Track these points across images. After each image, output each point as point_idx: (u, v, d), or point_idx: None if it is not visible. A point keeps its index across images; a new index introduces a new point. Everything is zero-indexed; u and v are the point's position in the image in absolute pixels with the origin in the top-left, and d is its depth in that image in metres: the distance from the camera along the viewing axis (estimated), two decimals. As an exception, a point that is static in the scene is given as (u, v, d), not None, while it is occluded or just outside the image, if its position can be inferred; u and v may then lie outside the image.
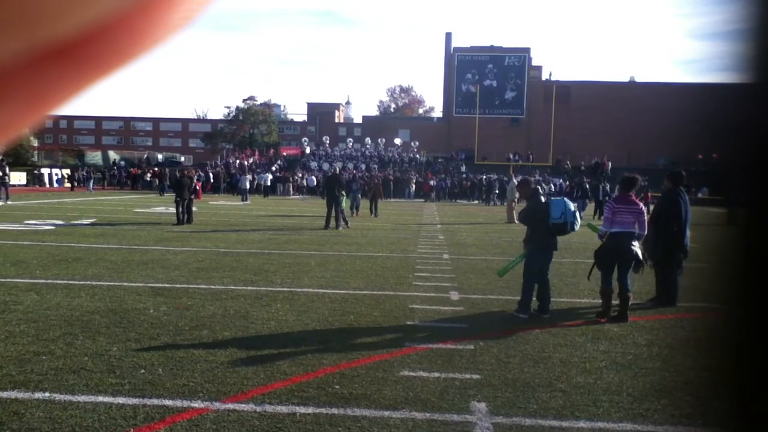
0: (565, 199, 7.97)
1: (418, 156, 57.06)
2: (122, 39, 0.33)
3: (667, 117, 65.74)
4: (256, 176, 45.57)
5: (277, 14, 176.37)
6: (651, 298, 8.85)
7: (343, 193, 19.46)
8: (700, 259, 11.26)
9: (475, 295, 9.03)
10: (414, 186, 46.18)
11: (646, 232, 7.97)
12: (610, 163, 54.45)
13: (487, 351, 6.22)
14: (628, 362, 6.01)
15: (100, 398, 4.68)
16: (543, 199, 8.00)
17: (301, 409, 4.57)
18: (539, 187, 8.41)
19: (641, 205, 8.02)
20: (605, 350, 6.40)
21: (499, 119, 72.92)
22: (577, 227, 7.85)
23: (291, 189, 46.09)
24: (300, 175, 48.79)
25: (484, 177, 46.51)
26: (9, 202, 27.30)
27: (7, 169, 31.73)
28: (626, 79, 77.74)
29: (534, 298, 7.94)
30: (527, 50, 74.93)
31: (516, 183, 9.46)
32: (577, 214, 7.84)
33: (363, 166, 52.90)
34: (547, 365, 5.83)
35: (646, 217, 8.00)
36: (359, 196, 25.73)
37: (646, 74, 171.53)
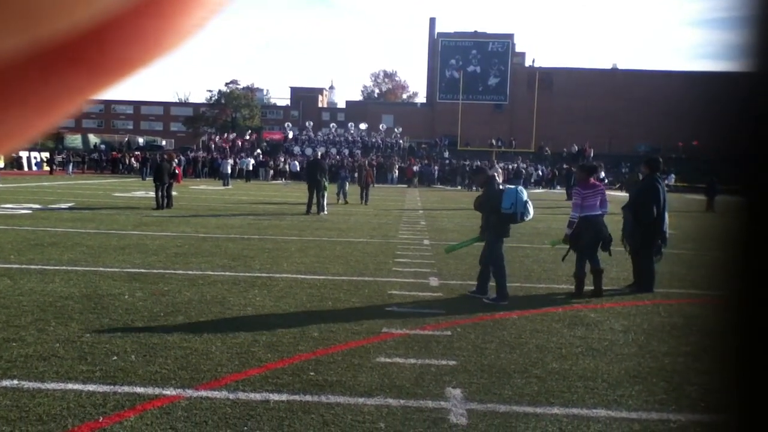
0: (519, 188, 8.06)
1: (401, 141, 56.93)
2: (132, 44, 0.32)
3: (648, 104, 66.10)
4: (238, 161, 45.23)
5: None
6: (628, 285, 8.89)
7: (326, 178, 19.36)
8: (678, 245, 11.34)
9: (454, 281, 9.02)
10: (397, 171, 46.10)
11: (608, 209, 8.59)
12: (592, 150, 54.71)
13: (464, 337, 6.21)
14: (604, 348, 6.04)
15: (70, 386, 4.61)
16: (498, 188, 8.06)
17: (275, 396, 4.53)
18: (495, 175, 8.58)
19: (602, 186, 8.65)
20: (581, 336, 6.42)
21: (483, 105, 72.85)
22: (528, 217, 7.97)
23: (275, 174, 45.75)
24: (282, 159, 48.49)
25: (467, 163, 46.54)
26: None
27: None
28: (609, 66, 77.96)
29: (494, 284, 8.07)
30: (511, 36, 74.78)
31: (474, 169, 9.57)
32: (529, 204, 7.94)
33: (346, 151, 52.69)
34: (523, 351, 5.83)
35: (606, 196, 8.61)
36: (347, 183, 24.76)
37: (629, 62, 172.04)
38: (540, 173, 47.66)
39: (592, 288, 8.38)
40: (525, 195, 7.96)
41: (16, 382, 4.64)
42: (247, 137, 57.22)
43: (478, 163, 46.49)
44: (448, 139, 60.72)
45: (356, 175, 29.17)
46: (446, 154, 54.88)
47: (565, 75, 72.37)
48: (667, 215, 8.73)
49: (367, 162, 29.79)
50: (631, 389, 4.96)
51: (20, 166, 47.15)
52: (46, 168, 45.53)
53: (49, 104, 0.32)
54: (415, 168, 45.78)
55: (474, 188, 40.77)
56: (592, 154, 53.26)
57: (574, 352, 5.88)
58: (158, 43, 0.33)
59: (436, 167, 47.84)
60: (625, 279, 9.25)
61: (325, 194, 19.19)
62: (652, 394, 4.90)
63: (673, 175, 44.49)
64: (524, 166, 48.28)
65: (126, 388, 4.59)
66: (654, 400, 4.78)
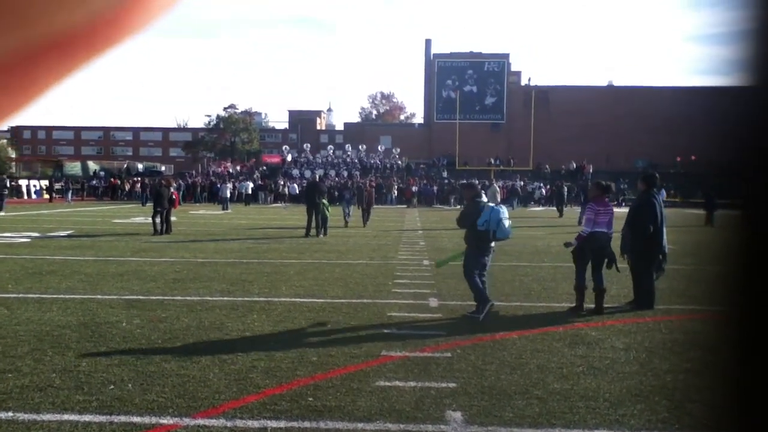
0: (499, 207, 8.29)
1: (399, 162, 57.06)
2: (104, 27, 0.35)
3: (645, 120, 66.40)
4: (237, 185, 45.30)
5: (257, 22, 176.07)
6: (629, 302, 8.84)
7: (324, 200, 19.35)
8: (678, 260, 11.30)
9: (453, 302, 8.97)
10: (396, 192, 46.13)
11: (613, 231, 8.67)
12: (591, 167, 54.81)
13: (464, 358, 6.16)
14: (605, 367, 5.99)
15: (66, 416, 4.56)
16: (480, 205, 8.25)
17: (273, 423, 4.48)
18: (482, 192, 8.80)
19: (611, 206, 8.82)
20: (582, 355, 6.37)
21: (480, 124, 73.18)
22: (502, 234, 8.09)
23: (275, 197, 45.70)
24: (282, 182, 48.56)
25: (463, 182, 46.50)
26: (1, 213, 28.65)
27: (7, 182, 34.83)
28: (605, 83, 78.44)
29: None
30: (506, 56, 75.34)
31: (464, 184, 9.69)
32: (504, 223, 8.07)
33: (345, 173, 52.78)
34: (524, 372, 5.78)
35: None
36: (351, 205, 24.26)
37: (624, 78, 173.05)
38: (543, 191, 47.63)
39: (593, 306, 8.36)
40: (502, 214, 8.11)
41: (11, 414, 4.59)
42: (246, 161, 57.33)
43: (475, 180, 46.68)
44: (446, 158, 60.86)
45: (355, 196, 28.28)
46: (445, 174, 54.96)
47: (561, 93, 72.79)
48: (665, 231, 8.71)
49: (368, 182, 28.38)
50: (633, 408, 4.91)
51: (20, 195, 47.19)
52: (46, 196, 45.56)
53: (21, 85, 0.34)
54: (414, 188, 45.84)
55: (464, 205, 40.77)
56: (591, 171, 53.37)
57: (576, 371, 5.83)
58: (129, 24, 0.36)
59: (435, 187, 47.91)
60: (626, 296, 9.21)
61: (328, 216, 19.15)
62: (655, 413, 4.85)
63: (663, 191, 44.72)
64: (521, 184, 48.33)
65: (122, 418, 4.54)
66: (656, 419, 4.72)
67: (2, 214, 28.73)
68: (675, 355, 6.49)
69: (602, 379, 5.60)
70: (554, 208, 35.04)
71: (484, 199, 8.55)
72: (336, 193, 44.81)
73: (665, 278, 8.98)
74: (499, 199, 31.01)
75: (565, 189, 35.88)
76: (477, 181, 43.99)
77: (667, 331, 7.51)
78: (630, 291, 9.07)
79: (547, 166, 56.54)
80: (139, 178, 50.57)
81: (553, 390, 5.29)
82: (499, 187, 34.52)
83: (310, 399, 4.96)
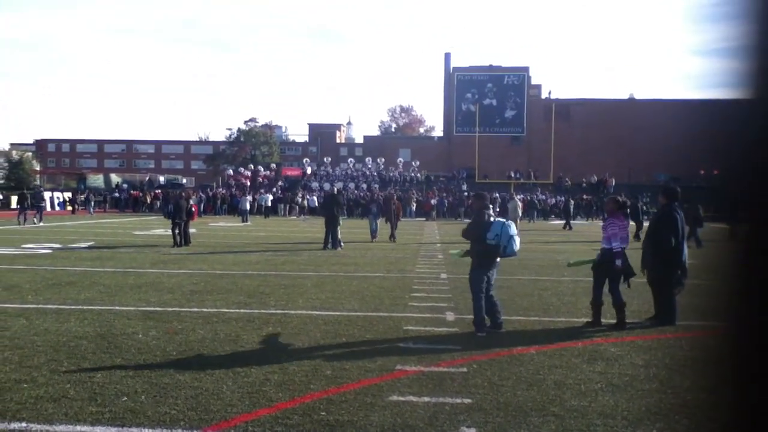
0: (507, 222, 8.12)
1: (418, 175, 57.03)
2: None
3: (667, 133, 65.75)
4: (256, 197, 45.54)
5: (278, 35, 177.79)
6: (649, 317, 8.68)
7: (343, 213, 19.35)
8: (699, 275, 11.11)
9: (471, 316, 8.85)
10: (415, 205, 46.08)
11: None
12: (613, 180, 54.33)
13: (480, 374, 6.07)
14: (624, 384, 5.86)
15: (79, 427, 4.55)
16: (487, 218, 8.10)
17: (285, 437, 4.43)
18: (489, 205, 8.58)
19: (626, 222, 8.87)
20: (601, 371, 6.25)
21: (500, 138, 72.99)
22: (511, 251, 7.92)
23: (297, 209, 45.68)
24: (301, 195, 48.73)
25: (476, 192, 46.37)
26: (40, 224, 30.05)
27: (44, 194, 37.04)
28: (626, 97, 77.93)
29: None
30: (526, 69, 75.21)
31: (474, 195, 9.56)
32: (515, 239, 7.93)
33: (364, 186, 52.85)
34: (540, 388, 5.68)
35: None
36: (377, 220, 22.77)
37: (646, 91, 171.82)
38: (578, 204, 47.30)
39: (614, 322, 8.26)
40: (512, 230, 7.98)
41: (24, 424, 4.59)
42: (266, 172, 57.68)
43: (497, 194, 46.42)
44: (465, 171, 60.70)
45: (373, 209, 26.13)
46: (464, 187, 54.80)
47: (582, 106, 72.44)
48: (686, 245, 8.55)
49: (395, 195, 26.11)
50: (652, 427, 4.79)
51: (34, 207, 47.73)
52: (69, 208, 46.14)
53: None
54: (433, 201, 45.75)
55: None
56: (613, 184, 52.90)
57: (594, 388, 5.72)
58: None
59: (450, 198, 47.81)
60: (647, 312, 9.05)
61: (338, 229, 19.14)
62: (674, 431, 4.72)
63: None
64: (542, 197, 48.06)
65: (134, 430, 4.52)
66: (677, 439, 4.60)
67: (41, 224, 29.99)
68: (696, 372, 6.34)
69: (621, 397, 5.48)
70: (574, 221, 35.10)
71: (491, 212, 8.47)
72: (352, 204, 44.87)
73: (687, 293, 8.81)
74: (520, 214, 30.72)
75: (572, 203, 36.89)
76: (497, 195, 43.92)
77: (689, 348, 7.36)
78: (651, 306, 8.91)
79: (568, 180, 56.14)
80: (161, 191, 51.03)
81: (571, 407, 5.18)
82: (519, 200, 34.22)
83: (323, 413, 4.90)
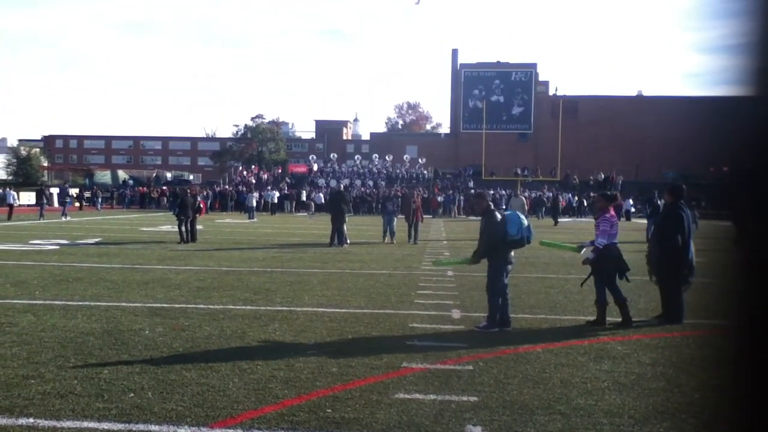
0: (517, 213, 8.21)
1: (425, 172, 56.98)
2: None
3: (675, 130, 65.47)
4: (263, 194, 45.60)
5: (285, 32, 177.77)
6: (657, 316, 8.65)
7: (349, 209, 19.34)
8: (707, 274, 11.05)
9: (477, 313, 8.86)
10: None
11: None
12: (621, 178, 54.15)
13: (486, 371, 6.06)
14: (631, 382, 5.84)
15: (86, 424, 4.57)
16: (498, 217, 8.10)
17: (291, 435, 4.43)
18: (491, 203, 8.60)
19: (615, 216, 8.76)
20: (608, 370, 6.23)
21: (507, 134, 72.85)
22: (532, 237, 8.21)
23: (312, 206, 45.59)
24: (307, 192, 48.76)
25: (491, 192, 46.40)
26: (65, 219, 31.32)
27: (69, 191, 38.50)
28: (633, 93, 77.62)
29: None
30: (534, 66, 75.04)
31: (474, 194, 9.48)
32: (531, 228, 8.13)
33: (371, 183, 52.85)
34: (547, 386, 5.66)
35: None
36: (395, 218, 21.02)
37: (654, 88, 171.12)
38: (583, 201, 47.29)
39: (620, 320, 8.22)
40: (525, 220, 8.12)
41: (32, 420, 4.61)
42: (272, 170, 57.80)
43: (505, 191, 46.36)
44: (472, 168, 60.62)
45: (399, 208, 23.65)
46: (471, 184, 54.72)
47: (589, 103, 72.21)
48: (692, 243, 8.51)
49: (416, 194, 23.34)
50: (659, 426, 4.77)
51: (50, 203, 47.99)
52: (76, 204, 46.30)
53: None
54: (440, 198, 45.71)
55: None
56: (620, 182, 52.73)
57: (600, 386, 5.70)
58: None
59: (461, 197, 47.79)
60: (654, 310, 9.01)
61: (344, 226, 19.12)
62: (681, 431, 4.70)
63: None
64: (550, 195, 47.97)
65: (141, 426, 4.54)
66: (684, 438, 4.58)
67: (66, 219, 31.10)
68: (703, 371, 6.32)
69: (627, 395, 5.46)
70: (581, 219, 35.14)
71: (525, 210, 8.49)
72: (358, 202, 44.89)
73: (695, 292, 8.76)
74: (526, 211, 30.60)
75: (561, 199, 37.96)
76: (505, 192, 43.88)
77: (696, 346, 7.32)
78: (658, 305, 8.88)
79: (575, 177, 55.99)
80: (167, 187, 51.16)
81: (577, 405, 5.17)
82: (525, 198, 34.16)
83: (329, 410, 4.90)
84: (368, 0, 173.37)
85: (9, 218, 30.13)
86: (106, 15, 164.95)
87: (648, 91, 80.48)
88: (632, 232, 25.10)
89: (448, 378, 5.83)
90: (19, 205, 38.28)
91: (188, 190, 21.49)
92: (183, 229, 19.27)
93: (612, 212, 8.53)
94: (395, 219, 20.97)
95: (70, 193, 37.91)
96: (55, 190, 50.70)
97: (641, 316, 8.75)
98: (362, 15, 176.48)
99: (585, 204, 46.40)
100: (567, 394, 5.45)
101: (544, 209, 43.16)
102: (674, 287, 8.42)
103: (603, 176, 55.25)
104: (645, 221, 23.45)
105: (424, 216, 23.47)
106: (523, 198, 32.35)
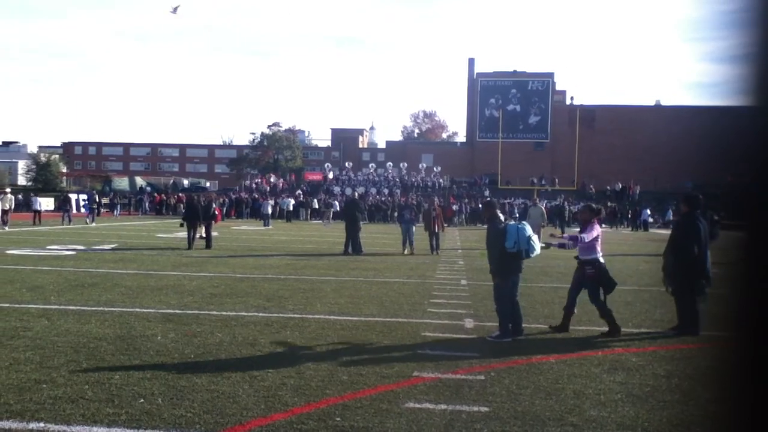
0: (521, 225, 8.07)
1: (441, 181, 56.89)
2: None
3: (693, 140, 64.90)
4: (278, 201, 45.74)
5: (302, 40, 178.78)
6: (672, 327, 8.53)
7: (364, 217, 19.34)
8: (724, 285, 10.89)
9: (490, 323, 8.79)
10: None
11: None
12: (638, 188, 53.72)
13: (498, 382, 6.01)
14: (645, 394, 5.76)
15: (95, 428, 4.58)
16: (500, 226, 8.05)
17: (299, 443, 4.41)
18: (498, 212, 8.49)
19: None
20: (622, 381, 6.15)
21: (523, 143, 72.59)
22: (533, 254, 8.02)
23: (331, 213, 45.60)
24: (321, 200, 48.83)
25: (507, 201, 46.24)
26: (93, 224, 32.49)
27: (96, 197, 39.85)
28: (652, 103, 77.10)
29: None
30: (551, 75, 74.78)
31: (485, 201, 9.42)
32: (533, 239, 7.95)
33: (386, 191, 52.86)
34: (559, 397, 5.60)
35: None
36: (413, 227, 20.26)
37: (672, 98, 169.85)
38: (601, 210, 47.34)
39: (607, 330, 8.26)
40: (528, 231, 7.98)
41: (42, 424, 4.63)
42: (287, 178, 58.02)
43: (525, 201, 46.16)
44: (488, 177, 60.44)
45: (417, 216, 22.85)
46: (487, 193, 54.56)
47: (607, 112, 71.81)
48: (709, 254, 8.39)
49: (436, 202, 22.30)
50: (674, 439, 4.69)
51: (73, 209, 48.44)
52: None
53: None
54: (455, 207, 45.60)
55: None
56: (638, 192, 52.32)
57: (614, 398, 5.62)
58: None
59: (472, 205, 47.72)
60: (669, 321, 8.89)
61: (359, 234, 19.12)
62: (697, 445, 4.62)
63: (670, 211, 44.65)
64: (566, 205, 47.68)
65: (150, 433, 4.53)
66: (698, 452, 4.50)
67: (93, 224, 32.55)
68: (719, 383, 6.21)
69: (641, 408, 5.38)
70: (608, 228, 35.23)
71: (502, 217, 8.41)
72: (373, 210, 44.91)
73: (712, 303, 8.64)
74: (546, 219, 30.20)
75: (567, 208, 38.34)
76: (521, 201, 43.70)
77: (712, 358, 7.20)
78: (674, 316, 8.76)
79: (592, 187, 55.64)
80: (184, 194, 51.48)
81: (589, 417, 5.10)
82: (544, 207, 33.86)
83: (338, 419, 4.87)
84: (385, 9, 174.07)
85: (37, 223, 31.22)
86: (125, 25, 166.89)
87: (667, 101, 79.89)
88: (649, 243, 24.84)
89: (459, 388, 5.78)
90: (46, 211, 38.88)
91: (197, 197, 21.62)
92: (191, 235, 19.41)
93: (596, 224, 8.59)
94: (413, 227, 20.33)
95: (97, 200, 39.04)
96: (83, 196, 51.37)
97: (657, 328, 8.65)
98: (379, 24, 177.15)
99: (603, 213, 46.16)
100: (580, 406, 5.38)
101: (558, 220, 42.92)
102: (690, 298, 8.31)
103: (620, 186, 54.85)
104: (662, 231, 23.16)
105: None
106: (542, 207, 32.01)
